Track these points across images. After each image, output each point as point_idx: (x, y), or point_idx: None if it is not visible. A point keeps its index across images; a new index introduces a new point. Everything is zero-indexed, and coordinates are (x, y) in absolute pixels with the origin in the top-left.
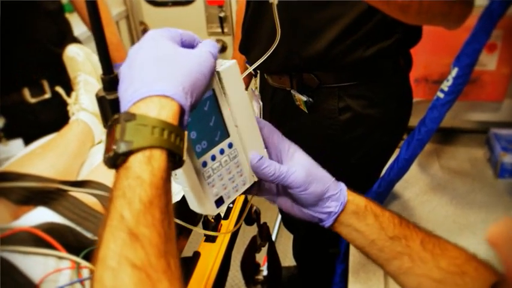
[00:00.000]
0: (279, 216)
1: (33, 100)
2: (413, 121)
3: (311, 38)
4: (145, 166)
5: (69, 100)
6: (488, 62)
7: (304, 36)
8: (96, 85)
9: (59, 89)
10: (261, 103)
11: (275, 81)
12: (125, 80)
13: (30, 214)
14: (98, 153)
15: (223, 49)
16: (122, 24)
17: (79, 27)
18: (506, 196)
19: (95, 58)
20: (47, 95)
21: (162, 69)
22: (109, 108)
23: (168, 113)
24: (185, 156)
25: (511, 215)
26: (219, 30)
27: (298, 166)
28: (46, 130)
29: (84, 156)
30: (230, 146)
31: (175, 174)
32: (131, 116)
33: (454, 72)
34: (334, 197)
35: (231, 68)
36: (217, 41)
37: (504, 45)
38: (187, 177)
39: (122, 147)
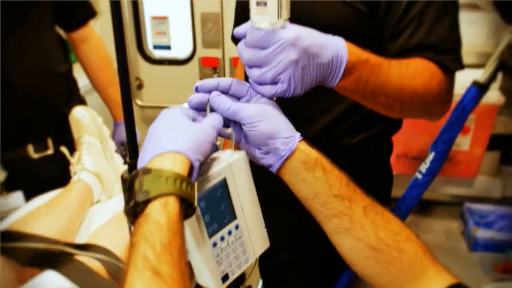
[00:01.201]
0: (261, 282)
1: (36, 155)
2: (395, 192)
3: (304, 126)
4: (161, 211)
5: (72, 160)
6: (462, 142)
7: (297, 124)
8: (99, 146)
9: (63, 149)
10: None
11: None
12: (143, 148)
13: (39, 278)
14: (96, 213)
15: None
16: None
17: (82, 79)
18: (479, 269)
19: (100, 120)
20: (50, 151)
21: (175, 135)
22: None
23: (180, 166)
24: (196, 203)
25: None
26: None
27: (252, 105)
28: (47, 186)
29: (83, 215)
30: (237, 227)
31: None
32: (148, 170)
33: (431, 156)
34: (284, 141)
35: (240, 160)
36: None
37: (476, 128)
38: (199, 254)
39: (141, 197)
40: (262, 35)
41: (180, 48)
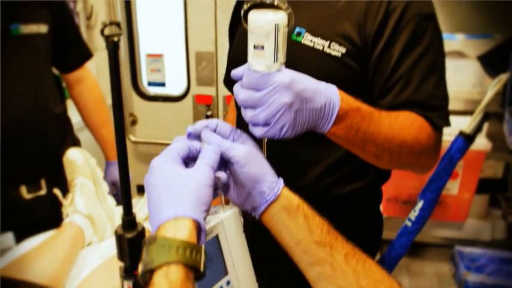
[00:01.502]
0: None
1: (28, 196)
2: (386, 234)
3: (293, 177)
4: (164, 281)
5: (64, 202)
6: (452, 187)
7: (288, 174)
8: (92, 188)
9: (56, 191)
10: (242, 219)
11: None
12: (148, 211)
13: None
14: (88, 256)
15: None
16: (111, 115)
17: (75, 116)
18: None
19: (93, 162)
20: (43, 192)
21: (173, 196)
22: (127, 245)
23: (184, 232)
24: (202, 268)
25: None
26: None
27: (241, 146)
28: (39, 227)
29: (74, 259)
30: (228, 283)
31: None
32: (153, 239)
33: (420, 204)
34: (270, 185)
35: (231, 216)
36: None
37: (465, 173)
38: None
39: (146, 266)
40: (258, 77)
41: (175, 85)
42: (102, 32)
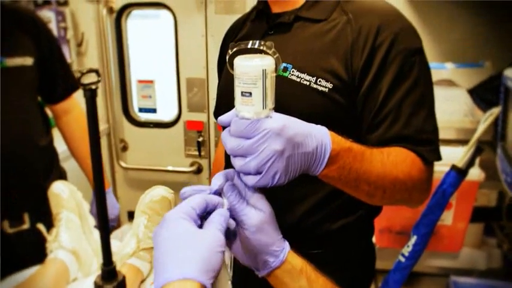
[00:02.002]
0: None
1: (11, 230)
2: (379, 264)
3: (283, 212)
4: None
5: (48, 237)
6: (446, 217)
7: (279, 210)
8: (78, 222)
9: (40, 226)
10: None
11: None
12: (154, 264)
13: None
14: None
15: (199, 171)
16: (102, 141)
17: (61, 145)
18: None
19: (79, 195)
20: (26, 226)
21: (181, 255)
22: None
23: None
24: None
25: None
26: (197, 153)
27: (254, 212)
28: (22, 262)
29: None
30: None
31: None
32: None
33: (413, 239)
34: (275, 252)
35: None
36: (193, 163)
37: (458, 203)
38: None
39: None
40: (247, 125)
41: (166, 111)
42: (79, 80)
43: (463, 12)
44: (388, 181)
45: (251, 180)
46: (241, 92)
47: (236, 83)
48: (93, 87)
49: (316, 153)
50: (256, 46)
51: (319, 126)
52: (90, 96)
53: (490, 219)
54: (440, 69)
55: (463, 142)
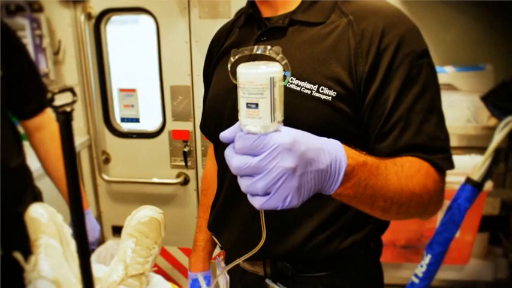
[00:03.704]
0: None
1: None
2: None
3: (288, 231)
4: None
5: (26, 266)
6: None
7: (281, 229)
8: (59, 248)
9: (17, 254)
10: (228, 277)
11: (247, 265)
12: None
13: None
14: None
15: (185, 182)
16: (84, 153)
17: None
18: None
19: (59, 218)
20: None
21: None
22: None
23: None
24: None
25: None
26: (183, 164)
27: None
28: None
29: None
30: None
31: None
32: None
33: (427, 259)
34: None
35: None
36: (180, 174)
37: (466, 215)
38: None
39: None
40: (253, 140)
41: (149, 121)
42: (50, 101)
43: (460, 14)
44: (404, 195)
45: (258, 201)
46: (247, 104)
47: (240, 93)
48: (68, 109)
49: (330, 170)
50: (262, 52)
51: (332, 140)
52: (65, 120)
53: (495, 228)
54: (440, 73)
55: (467, 149)
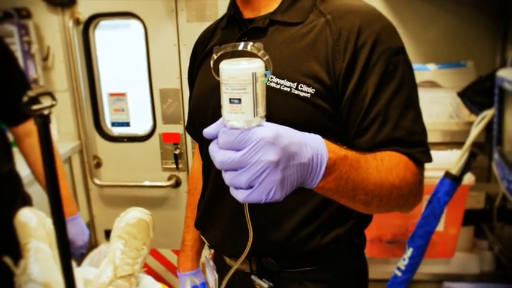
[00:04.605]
0: None
1: None
2: (372, 274)
3: (271, 227)
4: None
5: (16, 270)
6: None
7: (265, 226)
8: (49, 252)
9: (7, 259)
10: (217, 275)
11: (233, 263)
12: None
13: None
14: None
15: (177, 185)
16: (75, 158)
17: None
18: None
19: (49, 222)
20: None
21: None
22: None
23: None
24: None
25: None
26: (174, 166)
27: None
28: None
29: None
30: None
31: None
32: None
33: (409, 252)
34: None
35: None
36: (171, 177)
37: (449, 209)
38: None
39: None
40: (236, 135)
41: (140, 124)
42: (26, 105)
43: (441, 11)
44: (385, 188)
45: (241, 195)
46: (230, 99)
47: (223, 89)
48: (45, 112)
49: (312, 164)
50: (245, 48)
51: (312, 134)
52: (42, 123)
53: (480, 221)
54: (423, 71)
55: (450, 144)
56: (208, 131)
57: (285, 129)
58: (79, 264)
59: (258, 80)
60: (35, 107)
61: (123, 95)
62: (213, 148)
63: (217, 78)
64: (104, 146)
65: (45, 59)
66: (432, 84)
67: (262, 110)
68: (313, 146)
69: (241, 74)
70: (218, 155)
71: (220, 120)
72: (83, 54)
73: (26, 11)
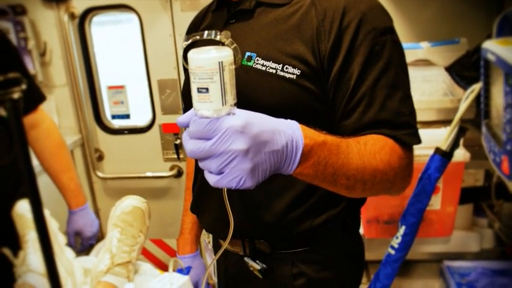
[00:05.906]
0: None
1: None
2: (368, 255)
3: (263, 209)
4: None
5: (16, 261)
6: (434, 202)
7: (254, 208)
8: None
9: (6, 250)
10: (216, 279)
11: (228, 246)
12: None
13: None
14: None
15: (179, 174)
16: (77, 152)
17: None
18: None
19: (46, 213)
20: None
21: None
22: None
23: None
24: None
25: None
26: (175, 156)
27: None
28: None
29: None
30: None
31: None
32: None
33: (402, 230)
34: None
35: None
36: (173, 167)
37: (445, 186)
38: None
39: None
40: (205, 124)
41: (140, 116)
42: None
43: None
44: (367, 173)
45: (212, 179)
46: (198, 89)
47: (192, 78)
48: (15, 96)
49: (286, 151)
50: (212, 37)
51: (288, 121)
52: (13, 108)
53: (479, 199)
54: (416, 49)
55: (445, 122)
56: (180, 120)
57: (258, 116)
58: (87, 254)
59: (225, 69)
60: (2, 91)
61: (122, 87)
62: (184, 137)
63: (187, 67)
64: (105, 139)
65: (42, 54)
66: (425, 63)
67: (231, 98)
68: (287, 132)
69: (207, 64)
70: (188, 144)
71: (192, 109)
72: (80, 49)
73: (21, 7)
